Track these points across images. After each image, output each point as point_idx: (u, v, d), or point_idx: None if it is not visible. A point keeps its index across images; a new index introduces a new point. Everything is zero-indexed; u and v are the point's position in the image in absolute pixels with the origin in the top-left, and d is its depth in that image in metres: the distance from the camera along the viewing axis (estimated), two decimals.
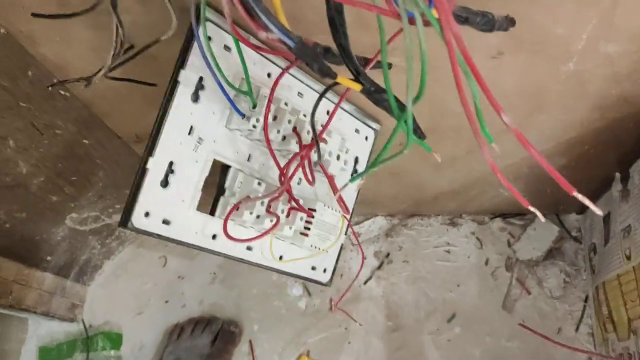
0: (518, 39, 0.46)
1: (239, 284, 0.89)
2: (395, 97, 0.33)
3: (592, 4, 0.42)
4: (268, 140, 0.46)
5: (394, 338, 0.82)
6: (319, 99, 0.43)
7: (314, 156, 0.52)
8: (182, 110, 0.44)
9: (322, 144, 0.53)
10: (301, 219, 0.52)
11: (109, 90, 0.58)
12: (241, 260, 0.52)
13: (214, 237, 0.49)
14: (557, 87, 0.52)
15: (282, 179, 0.49)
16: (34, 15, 0.42)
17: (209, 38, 0.43)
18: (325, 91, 0.42)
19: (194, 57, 0.43)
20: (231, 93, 0.45)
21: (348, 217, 0.58)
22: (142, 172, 0.42)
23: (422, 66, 0.28)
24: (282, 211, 0.51)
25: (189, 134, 0.45)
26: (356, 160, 0.60)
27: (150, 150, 0.43)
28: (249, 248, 0.52)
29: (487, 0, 0.40)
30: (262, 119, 0.46)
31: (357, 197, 0.62)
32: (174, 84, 0.43)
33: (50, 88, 0.54)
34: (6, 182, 0.66)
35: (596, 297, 0.76)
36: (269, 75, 0.49)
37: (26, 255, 0.77)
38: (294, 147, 0.49)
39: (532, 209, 0.32)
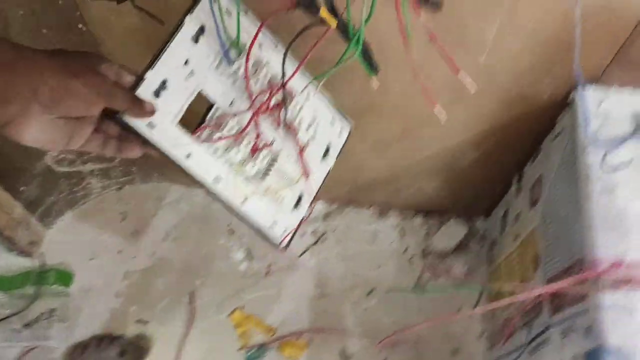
0: (445, 27, 0.61)
1: (189, 244, 0.99)
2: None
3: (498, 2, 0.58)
4: (247, 75, 0.56)
5: (319, 303, 0.94)
6: (293, 40, 0.55)
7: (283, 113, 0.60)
8: (182, 45, 0.53)
9: (291, 104, 0.61)
10: (264, 158, 0.60)
11: (119, 27, 0.70)
12: (208, 190, 0.57)
13: (188, 155, 0.55)
14: (472, 77, 0.68)
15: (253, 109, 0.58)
16: None
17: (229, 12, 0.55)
18: (302, 31, 0.51)
19: (202, 9, 0.53)
20: (225, 45, 0.56)
21: (308, 179, 0.64)
22: (140, 79, 0.50)
23: None
24: (249, 143, 0.59)
25: (185, 64, 0.53)
26: (327, 149, 0.67)
27: (151, 64, 0.51)
28: (216, 179, 0.57)
29: None
30: (244, 65, 0.56)
31: (324, 180, 0.67)
32: (180, 22, 0.53)
33: (77, 14, 0.66)
34: None
35: (492, 280, 0.91)
36: (260, 46, 0.59)
37: (5, 179, 0.86)
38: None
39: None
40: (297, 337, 0.91)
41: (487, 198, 0.95)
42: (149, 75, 0.50)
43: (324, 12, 0.45)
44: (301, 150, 0.63)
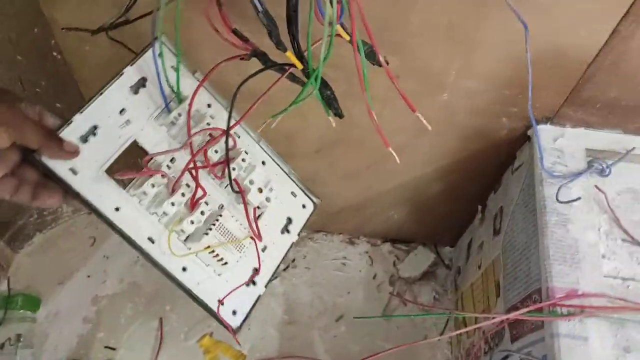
0: (409, 66, 0.65)
1: None
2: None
3: (458, 45, 0.62)
4: (189, 126, 0.54)
5: (288, 330, 0.95)
6: (243, 82, 0.49)
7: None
8: (119, 94, 0.52)
9: (243, 163, 0.58)
10: (202, 214, 0.55)
11: (94, 57, 0.72)
12: (140, 251, 0.52)
13: (117, 209, 0.51)
14: (434, 114, 0.71)
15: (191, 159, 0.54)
16: None
17: (160, 54, 0.53)
18: (257, 73, 0.49)
19: (144, 61, 0.53)
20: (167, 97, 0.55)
21: (264, 251, 0.60)
22: (67, 123, 0.48)
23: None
24: (185, 197, 0.54)
25: (120, 113, 0.52)
26: (289, 221, 0.63)
27: (80, 109, 0.49)
28: (150, 239, 0.52)
29: (382, 31, 0.59)
30: (184, 115, 0.55)
31: (285, 253, 0.64)
32: (119, 72, 0.52)
33: (52, 42, 0.68)
34: None
35: (457, 308, 0.93)
36: (209, 105, 0.59)
37: None
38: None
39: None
40: None
41: (453, 227, 0.97)
42: (77, 118, 0.48)
43: (290, 55, 0.47)
44: (255, 215, 0.59)
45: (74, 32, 0.67)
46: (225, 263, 0.56)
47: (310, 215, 0.65)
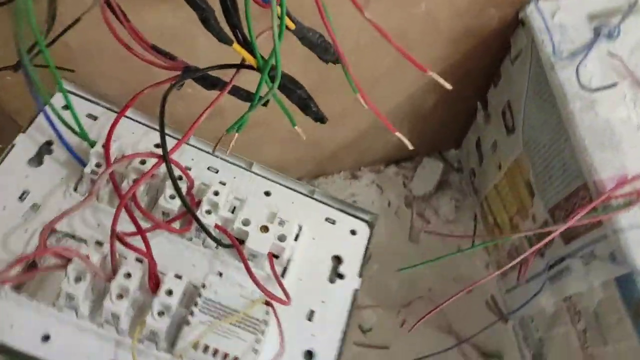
0: None
1: None
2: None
3: None
4: (109, 163, 0.39)
5: None
6: (170, 89, 0.37)
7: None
8: (13, 175, 0.41)
9: (210, 197, 0.40)
10: (170, 293, 0.35)
11: (18, 85, 0.61)
12: None
13: (45, 338, 0.35)
14: (416, 27, 0.63)
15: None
16: None
17: (67, 106, 0.43)
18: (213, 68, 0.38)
19: (38, 124, 0.43)
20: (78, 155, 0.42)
21: (288, 307, 0.39)
22: None
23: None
24: (129, 276, 0.35)
25: (20, 199, 0.40)
26: (338, 261, 0.45)
27: None
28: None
29: None
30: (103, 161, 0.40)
31: (350, 311, 0.43)
32: (10, 147, 0.42)
33: None
34: None
35: (482, 212, 0.89)
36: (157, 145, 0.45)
37: None
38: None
39: (398, 134, 0.40)
40: None
41: (454, 130, 0.92)
42: None
43: (238, 48, 0.36)
44: (273, 266, 0.41)
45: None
46: (235, 359, 0.35)
47: (369, 242, 0.47)
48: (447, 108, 0.83)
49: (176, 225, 0.40)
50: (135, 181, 0.36)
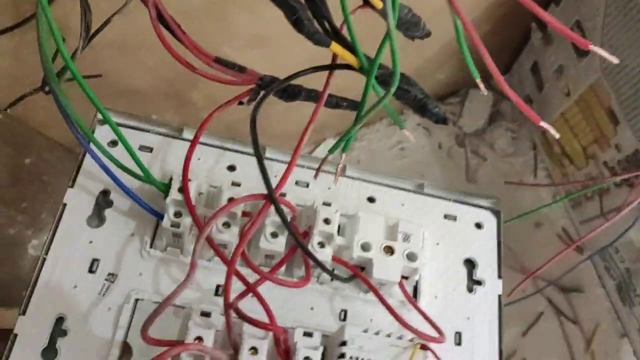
0: None
1: None
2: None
3: None
4: (199, 223, 0.32)
5: None
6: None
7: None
8: (72, 243, 0.34)
9: (321, 226, 0.33)
10: None
11: (41, 98, 0.54)
12: None
13: None
14: None
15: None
16: None
17: (114, 142, 0.36)
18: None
19: (92, 168, 0.35)
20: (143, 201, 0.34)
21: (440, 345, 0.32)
22: (12, 340, 0.31)
23: None
24: (254, 351, 0.29)
25: (91, 271, 0.33)
26: (471, 265, 0.38)
27: (24, 309, 0.32)
28: None
29: None
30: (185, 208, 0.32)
31: (500, 319, 0.36)
32: (62, 207, 0.35)
33: (7, 111, 0.50)
34: None
35: (545, 141, 0.83)
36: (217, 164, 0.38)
37: (5, 297, 0.73)
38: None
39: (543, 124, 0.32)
40: None
41: (503, 56, 0.84)
42: (19, 327, 0.31)
43: (337, 48, 0.29)
44: (408, 296, 0.35)
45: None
46: None
47: (500, 232, 0.39)
48: (498, 35, 0.75)
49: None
50: (242, 236, 0.28)
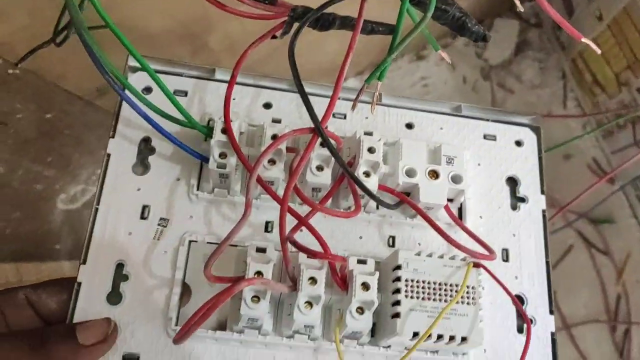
0: None
1: None
2: None
3: None
4: (249, 166, 0.32)
5: None
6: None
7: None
8: (121, 191, 0.34)
9: (367, 156, 0.32)
10: (365, 287, 0.29)
11: (55, 50, 0.53)
12: None
13: None
14: None
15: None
16: None
17: (149, 89, 0.35)
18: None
19: (130, 117, 0.35)
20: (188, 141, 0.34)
21: (489, 258, 0.32)
22: (76, 289, 0.32)
23: None
24: (314, 281, 0.29)
25: (143, 217, 0.34)
26: (514, 182, 0.38)
27: (84, 258, 0.32)
28: None
29: None
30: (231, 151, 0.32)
31: (545, 234, 0.37)
32: (106, 158, 0.34)
33: (18, 65, 0.49)
34: None
35: (575, 69, 0.80)
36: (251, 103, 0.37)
37: (37, 252, 0.75)
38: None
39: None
40: None
41: None
42: (83, 276, 0.32)
43: None
44: (455, 219, 0.35)
45: (19, 43, 0.48)
46: (464, 339, 0.29)
47: (540, 148, 0.39)
48: None
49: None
50: (293, 172, 0.29)
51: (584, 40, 0.27)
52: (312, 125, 0.29)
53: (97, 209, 0.33)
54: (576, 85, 0.80)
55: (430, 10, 0.27)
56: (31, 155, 0.65)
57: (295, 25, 0.30)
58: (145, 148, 0.35)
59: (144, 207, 0.34)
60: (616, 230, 0.79)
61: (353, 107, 0.31)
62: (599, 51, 0.28)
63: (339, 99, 0.35)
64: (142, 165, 0.35)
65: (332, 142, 0.31)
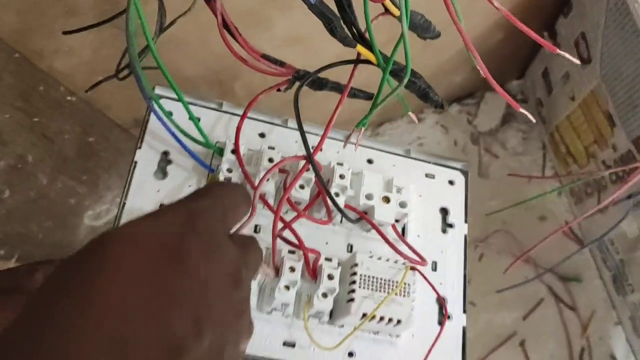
0: None
1: None
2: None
3: None
4: (245, 171, 0.42)
5: None
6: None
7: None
8: (144, 191, 0.43)
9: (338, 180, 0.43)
10: (330, 277, 0.39)
11: (111, 83, 0.63)
12: None
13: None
14: None
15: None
16: (65, 33, 0.47)
17: (170, 113, 0.44)
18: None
19: (154, 131, 0.44)
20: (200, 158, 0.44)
21: (422, 267, 0.41)
22: None
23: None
24: (292, 269, 0.39)
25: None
26: (444, 212, 0.48)
27: None
28: (287, 344, 0.41)
29: None
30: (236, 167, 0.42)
31: (465, 253, 0.47)
32: (133, 165, 0.43)
33: (87, 92, 0.59)
34: (31, 196, 0.70)
35: (552, 141, 0.90)
36: (261, 135, 0.48)
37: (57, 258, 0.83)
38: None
39: (522, 110, 0.40)
40: None
41: (516, 62, 0.91)
42: None
43: (362, 49, 0.36)
44: (398, 233, 0.45)
45: (80, 75, 0.58)
46: (399, 322, 0.39)
47: (467, 187, 0.49)
48: (512, 42, 0.82)
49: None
50: (287, 188, 0.40)
51: (558, 51, 0.34)
52: (303, 154, 0.39)
53: (124, 203, 0.42)
54: (553, 155, 0.90)
55: (405, 79, 0.37)
56: (69, 172, 0.74)
57: (297, 84, 0.40)
58: (165, 159, 0.44)
59: (161, 205, 0.42)
60: (583, 288, 0.88)
61: (344, 145, 0.40)
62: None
63: (317, 136, 0.46)
64: (161, 172, 0.44)
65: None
